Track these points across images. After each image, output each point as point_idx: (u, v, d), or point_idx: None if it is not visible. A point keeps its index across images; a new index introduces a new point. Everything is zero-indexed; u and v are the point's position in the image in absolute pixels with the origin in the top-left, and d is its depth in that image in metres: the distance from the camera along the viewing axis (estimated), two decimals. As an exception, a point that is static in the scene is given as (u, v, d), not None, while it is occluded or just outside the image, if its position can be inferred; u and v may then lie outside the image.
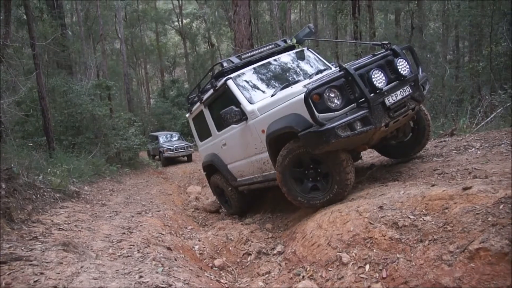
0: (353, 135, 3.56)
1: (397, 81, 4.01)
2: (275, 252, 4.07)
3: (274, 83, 5.09)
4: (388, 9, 20.17)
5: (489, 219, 2.41)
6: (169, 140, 18.38)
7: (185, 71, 38.03)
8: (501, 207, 2.46)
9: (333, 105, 3.68)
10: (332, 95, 3.70)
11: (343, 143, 3.66)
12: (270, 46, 5.81)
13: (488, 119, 7.35)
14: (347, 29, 20.45)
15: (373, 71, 3.80)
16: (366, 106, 3.68)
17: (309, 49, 5.79)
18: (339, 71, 3.82)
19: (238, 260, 4.21)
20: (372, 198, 3.52)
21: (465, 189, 2.82)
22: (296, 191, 4.15)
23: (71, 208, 5.26)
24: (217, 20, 28.14)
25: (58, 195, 5.56)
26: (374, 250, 2.84)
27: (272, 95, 4.59)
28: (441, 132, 7.23)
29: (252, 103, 4.77)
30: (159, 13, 34.03)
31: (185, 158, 17.37)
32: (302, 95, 3.65)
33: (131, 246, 3.61)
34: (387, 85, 3.89)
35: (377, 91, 3.78)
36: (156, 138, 18.65)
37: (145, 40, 36.36)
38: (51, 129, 9.67)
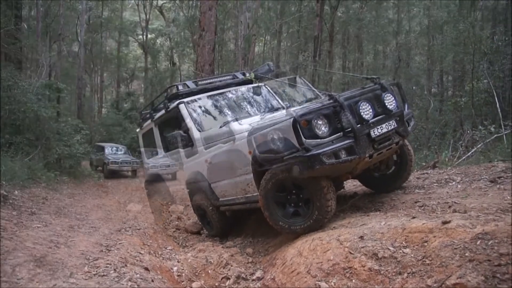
0: (337, 163, 3.61)
1: (383, 115, 4.11)
2: (254, 277, 4.01)
3: (226, 113, 5.16)
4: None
5: (467, 254, 2.44)
6: (115, 153, 17.92)
7: (143, 85, 36.55)
8: (478, 243, 2.49)
9: (320, 132, 3.74)
10: (320, 123, 3.77)
11: (327, 170, 3.70)
12: (228, 77, 5.89)
13: (469, 153, 7.54)
14: (306, 69, 20.95)
15: (361, 103, 3.89)
16: (352, 136, 3.75)
17: (266, 86, 5.85)
18: (329, 100, 3.91)
19: (216, 284, 4.12)
20: (354, 228, 3.53)
21: (444, 223, 2.87)
22: (277, 216, 4.14)
23: (-7, 214, 4.72)
24: (182, 40, 27.67)
25: (-20, 197, 5.01)
26: (353, 281, 2.83)
27: (261, 118, 4.65)
28: (424, 164, 7.38)
29: (200, 131, 4.79)
30: (124, 23, 33.00)
31: (129, 173, 17.15)
32: (291, 120, 3.70)
33: (57, 262, 3.28)
34: (373, 117, 3.98)
35: (364, 123, 3.86)
36: (102, 148, 18.00)
37: (105, 48, 34.94)
38: (-15, 124, 8.67)
